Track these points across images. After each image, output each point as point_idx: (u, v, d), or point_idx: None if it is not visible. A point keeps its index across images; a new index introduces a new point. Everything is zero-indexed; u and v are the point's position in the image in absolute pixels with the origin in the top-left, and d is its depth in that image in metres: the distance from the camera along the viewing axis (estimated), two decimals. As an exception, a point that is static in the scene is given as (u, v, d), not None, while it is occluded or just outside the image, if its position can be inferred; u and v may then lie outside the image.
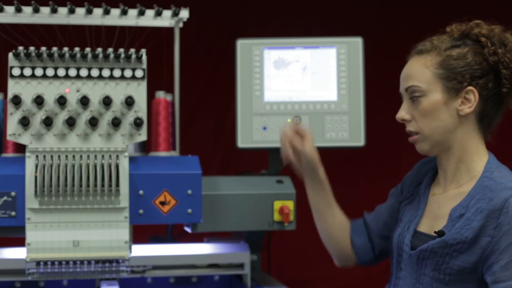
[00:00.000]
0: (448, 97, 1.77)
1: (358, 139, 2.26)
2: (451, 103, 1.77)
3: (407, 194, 1.96)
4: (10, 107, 1.91)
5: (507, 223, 1.66)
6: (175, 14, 2.20)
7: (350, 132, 2.25)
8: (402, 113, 1.82)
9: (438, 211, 1.83)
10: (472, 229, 1.69)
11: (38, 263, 1.91)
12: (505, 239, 1.66)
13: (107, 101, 1.93)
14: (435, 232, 1.76)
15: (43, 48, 1.93)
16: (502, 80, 1.77)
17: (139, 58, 1.97)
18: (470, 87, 1.76)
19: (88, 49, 1.95)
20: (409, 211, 1.91)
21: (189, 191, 2.01)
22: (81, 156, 1.92)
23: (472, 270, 1.70)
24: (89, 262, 1.93)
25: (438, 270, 1.73)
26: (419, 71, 1.80)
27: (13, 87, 1.92)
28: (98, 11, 2.16)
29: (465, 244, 1.70)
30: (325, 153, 2.82)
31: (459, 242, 1.70)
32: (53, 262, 1.92)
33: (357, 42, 2.28)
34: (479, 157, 1.81)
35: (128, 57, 1.96)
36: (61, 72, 1.94)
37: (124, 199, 1.93)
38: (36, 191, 1.89)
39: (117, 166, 1.93)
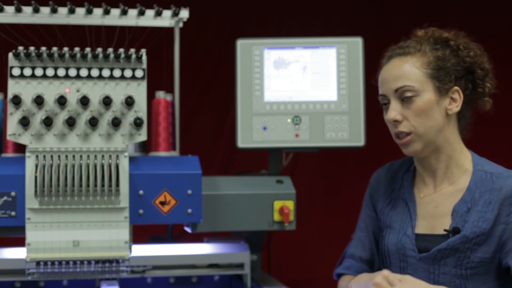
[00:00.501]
0: (439, 97, 1.83)
1: (358, 139, 2.26)
2: (441, 102, 1.83)
3: (386, 201, 1.97)
4: (10, 107, 1.91)
5: None
6: (175, 14, 2.20)
7: (350, 132, 2.25)
8: (394, 114, 1.83)
9: (435, 211, 1.85)
10: (488, 220, 1.76)
11: (38, 263, 1.91)
12: None
13: (107, 101, 1.93)
14: (445, 230, 1.79)
15: (43, 48, 1.93)
16: (477, 80, 1.87)
17: (139, 58, 1.97)
18: (456, 87, 1.84)
19: (88, 49, 1.95)
20: (397, 216, 1.92)
21: (189, 191, 2.01)
22: (81, 156, 1.92)
23: (491, 260, 1.76)
24: (89, 262, 1.93)
25: (460, 266, 1.77)
26: (410, 71, 1.82)
27: (13, 87, 1.92)
28: (98, 11, 2.16)
29: (484, 235, 1.76)
30: (325, 153, 2.82)
31: (479, 234, 1.76)
32: (53, 262, 1.92)
33: (357, 42, 2.28)
34: (464, 154, 1.88)
35: (128, 57, 1.96)
36: (61, 72, 1.94)
37: (124, 199, 1.93)
38: (36, 191, 1.89)
39: (117, 166, 1.93)
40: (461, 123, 1.89)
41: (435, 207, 1.86)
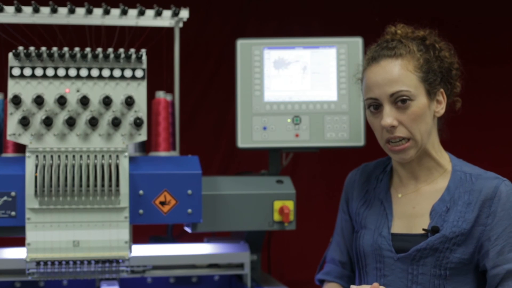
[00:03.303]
0: (430, 100, 1.81)
1: (358, 139, 2.26)
2: (431, 105, 1.82)
3: (361, 202, 1.97)
4: (10, 107, 1.91)
5: (501, 210, 1.73)
6: (175, 14, 2.20)
7: (350, 132, 2.25)
8: (390, 120, 1.77)
9: (412, 211, 1.84)
10: (467, 221, 1.75)
11: (38, 263, 1.91)
12: (500, 225, 1.73)
13: (107, 101, 1.93)
14: (424, 229, 1.78)
15: (43, 48, 1.93)
16: (451, 81, 1.86)
17: (139, 58, 1.97)
18: (441, 89, 1.83)
19: (88, 49, 1.95)
20: (372, 217, 1.91)
21: (189, 191, 2.01)
22: (81, 156, 1.92)
23: (469, 261, 1.76)
24: (89, 262, 1.93)
25: (439, 266, 1.75)
26: (404, 75, 1.78)
27: (13, 87, 1.92)
28: (98, 11, 2.16)
29: (463, 236, 1.75)
30: (325, 153, 2.82)
31: (458, 234, 1.75)
32: (53, 262, 1.92)
33: (357, 42, 2.28)
34: (443, 155, 1.88)
35: (128, 57, 1.96)
36: (61, 72, 1.94)
37: (124, 199, 1.93)
38: (36, 191, 1.89)
39: (117, 166, 1.93)
40: (438, 124, 1.89)
41: (413, 207, 1.85)
